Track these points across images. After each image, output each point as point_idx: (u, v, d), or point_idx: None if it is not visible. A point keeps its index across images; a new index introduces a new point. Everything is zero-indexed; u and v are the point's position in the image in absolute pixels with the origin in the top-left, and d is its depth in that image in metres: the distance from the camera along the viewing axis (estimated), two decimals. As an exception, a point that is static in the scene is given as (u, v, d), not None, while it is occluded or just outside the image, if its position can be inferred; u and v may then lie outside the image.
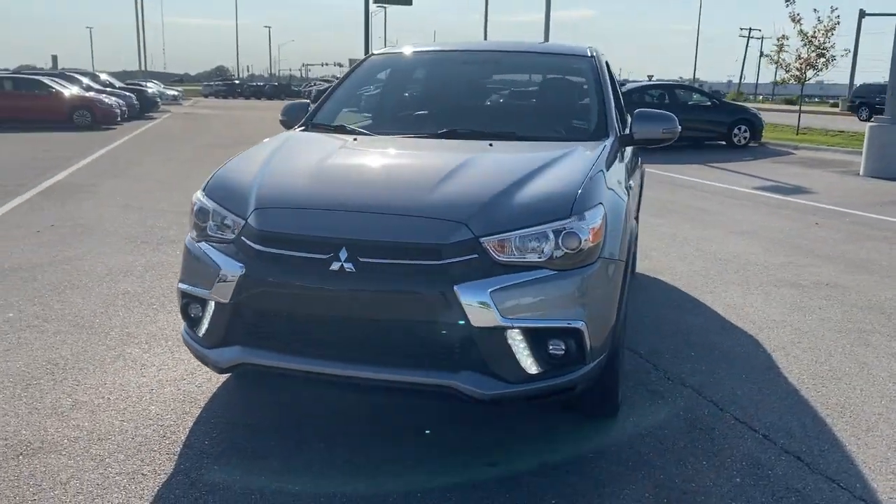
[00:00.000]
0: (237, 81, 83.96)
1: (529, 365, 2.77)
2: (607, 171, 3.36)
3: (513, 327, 2.70)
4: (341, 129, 4.10)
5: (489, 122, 3.91)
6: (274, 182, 3.13)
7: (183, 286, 3.10)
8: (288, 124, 4.41)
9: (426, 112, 4.39)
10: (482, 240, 2.74)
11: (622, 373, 3.40)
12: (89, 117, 23.10)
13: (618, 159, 3.71)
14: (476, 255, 2.73)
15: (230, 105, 49.39)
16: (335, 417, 3.44)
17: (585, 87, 4.21)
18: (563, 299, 2.79)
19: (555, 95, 4.48)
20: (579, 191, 2.94)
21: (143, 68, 55.77)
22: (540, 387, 2.81)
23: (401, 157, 3.58)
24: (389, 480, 2.89)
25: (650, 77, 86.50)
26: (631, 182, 3.80)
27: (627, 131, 3.97)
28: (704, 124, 18.55)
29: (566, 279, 2.79)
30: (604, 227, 2.93)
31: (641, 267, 6.45)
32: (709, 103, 18.98)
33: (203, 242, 3.08)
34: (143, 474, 2.90)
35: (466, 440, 3.26)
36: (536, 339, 2.76)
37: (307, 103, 4.50)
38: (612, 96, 4.06)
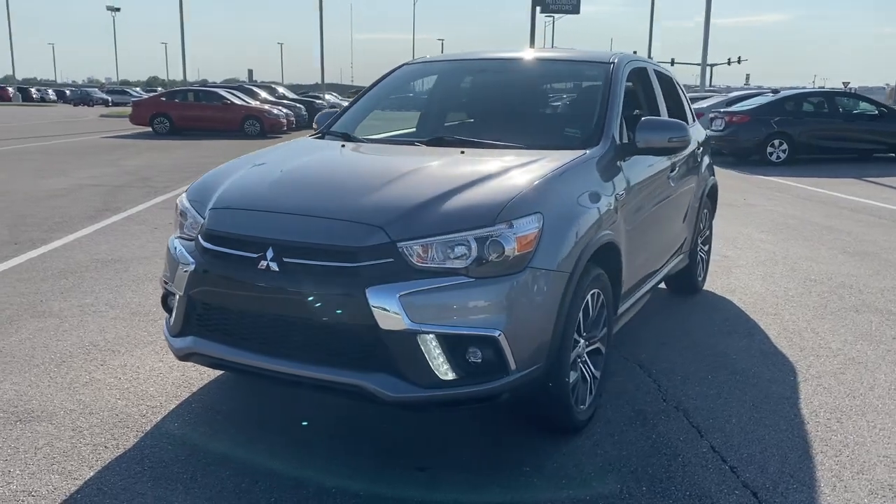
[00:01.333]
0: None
1: (445, 371, 2.77)
2: (575, 180, 3.28)
3: (422, 332, 2.72)
4: (346, 136, 4.24)
5: (478, 131, 3.89)
6: (235, 185, 3.34)
7: (162, 278, 3.39)
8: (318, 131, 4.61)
9: (425, 120, 4.44)
10: (399, 244, 2.78)
11: (581, 387, 3.26)
12: (258, 127, 24.93)
13: (607, 169, 3.57)
14: (392, 260, 2.77)
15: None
16: (317, 415, 3.58)
17: (592, 94, 4.07)
18: (480, 307, 2.77)
19: (557, 103, 4.37)
20: (512, 199, 2.90)
21: (322, 81, 59.23)
22: (455, 393, 2.80)
23: (363, 163, 3.67)
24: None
25: (845, 84, 79.69)
26: (623, 192, 3.62)
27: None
28: (870, 135, 16.96)
29: (483, 287, 2.77)
30: (538, 236, 2.87)
31: (714, 285, 6.09)
32: (876, 112, 17.31)
33: (178, 239, 3.35)
34: (105, 447, 3.19)
35: (399, 443, 3.31)
36: (452, 345, 2.76)
37: (337, 111, 4.69)
38: (618, 104, 3.89)
